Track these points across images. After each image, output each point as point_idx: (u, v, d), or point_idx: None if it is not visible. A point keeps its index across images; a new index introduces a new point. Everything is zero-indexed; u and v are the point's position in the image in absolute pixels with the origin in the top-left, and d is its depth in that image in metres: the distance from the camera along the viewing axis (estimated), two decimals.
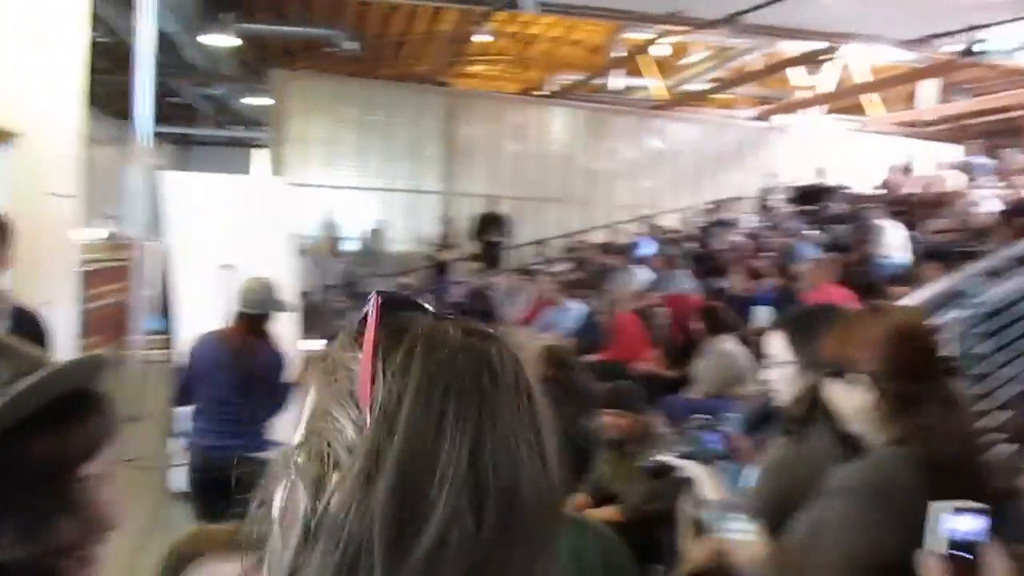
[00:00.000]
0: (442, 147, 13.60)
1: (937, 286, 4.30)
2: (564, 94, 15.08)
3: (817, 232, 10.54)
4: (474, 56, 17.26)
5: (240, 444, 3.54)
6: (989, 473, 1.45)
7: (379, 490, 0.60)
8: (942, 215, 9.71)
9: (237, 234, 4.27)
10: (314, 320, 11.06)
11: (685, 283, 8.40)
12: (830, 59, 13.21)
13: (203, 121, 19.12)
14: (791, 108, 15.70)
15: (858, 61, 13.96)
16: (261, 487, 0.71)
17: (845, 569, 1.47)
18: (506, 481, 0.63)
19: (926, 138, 15.80)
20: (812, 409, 1.79)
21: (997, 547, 1.03)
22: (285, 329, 3.78)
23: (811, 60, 13.38)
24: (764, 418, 3.83)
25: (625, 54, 14.17)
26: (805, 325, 2.02)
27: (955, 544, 0.99)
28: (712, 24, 10.02)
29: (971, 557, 0.99)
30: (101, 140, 17.00)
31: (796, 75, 15.14)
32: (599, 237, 13.23)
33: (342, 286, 11.83)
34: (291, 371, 3.77)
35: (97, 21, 10.72)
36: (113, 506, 0.99)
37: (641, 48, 13.79)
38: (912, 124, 16.16)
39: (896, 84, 14.83)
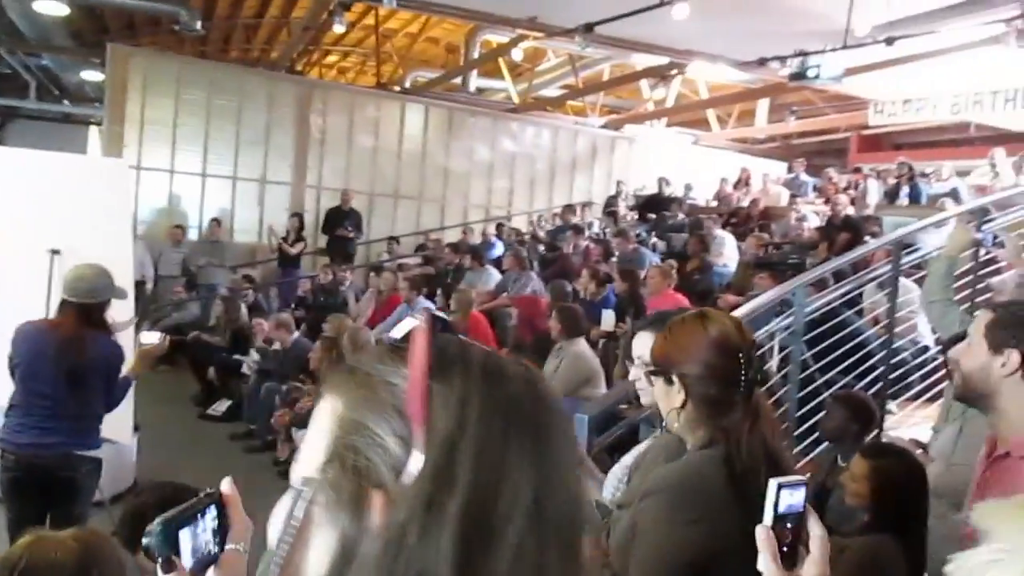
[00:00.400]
0: (293, 137, 13.22)
1: (767, 295, 4.57)
2: (420, 91, 15.03)
3: (658, 239, 11.04)
4: (328, 46, 16.91)
5: (65, 441, 3.31)
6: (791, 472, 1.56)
7: (447, 517, 0.59)
8: (769, 228, 10.39)
9: (67, 217, 3.97)
10: (149, 310, 10.54)
11: (534, 285, 8.56)
12: (677, 74, 13.84)
13: (33, 94, 17.69)
14: (638, 119, 16.35)
15: (700, 78, 14.73)
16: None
17: (658, 567, 1.55)
18: (566, 513, 0.65)
19: (757, 155, 16.88)
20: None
21: (812, 513, 1.14)
22: (119, 318, 3.54)
23: (658, 74, 13.98)
24: (611, 419, 3.97)
25: (482, 55, 14.28)
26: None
27: (779, 517, 1.11)
28: (567, 32, 10.25)
29: (790, 526, 1.11)
30: None
31: (644, 87, 15.79)
32: (451, 236, 13.28)
33: (181, 276, 11.29)
34: (127, 363, 3.56)
35: None
36: None
37: (498, 51, 13.95)
38: (744, 140, 17.24)
39: (731, 102, 15.76)
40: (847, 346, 4.80)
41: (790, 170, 14.31)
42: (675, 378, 1.65)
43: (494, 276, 9.38)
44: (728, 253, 9.39)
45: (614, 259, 9.26)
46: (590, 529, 0.71)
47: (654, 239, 10.96)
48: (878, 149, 15.74)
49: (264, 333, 8.34)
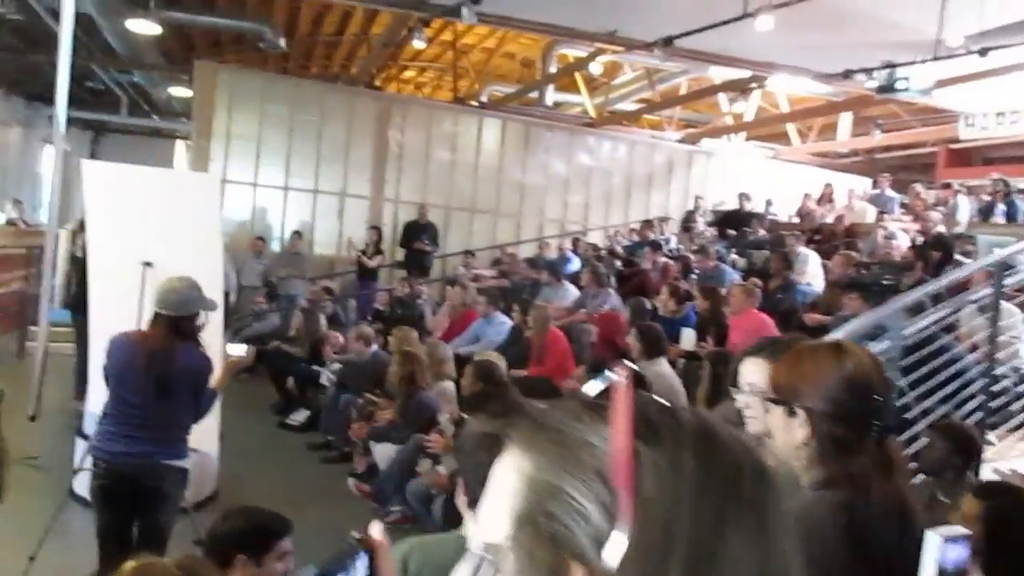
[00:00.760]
0: (372, 151, 13.41)
1: (864, 319, 4.38)
2: (496, 105, 15.09)
3: (738, 256, 10.80)
4: (406, 62, 17.13)
5: (153, 451, 3.35)
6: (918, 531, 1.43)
7: None
8: (856, 246, 10.05)
9: (159, 230, 4.06)
10: (231, 320, 10.78)
11: (612, 301, 8.45)
12: (757, 87, 13.57)
13: (124, 109, 18.41)
14: (716, 133, 16.10)
15: (780, 91, 14.42)
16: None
17: None
18: None
19: (838, 169, 16.43)
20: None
21: (978, 572, 1.04)
22: (209, 331, 3.58)
23: (738, 87, 13.74)
24: None
25: (559, 69, 14.26)
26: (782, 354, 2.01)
27: (942, 573, 1.02)
28: (646, 46, 10.14)
29: None
30: (8, 121, 16.27)
31: (723, 101, 15.55)
32: (527, 250, 13.25)
33: (262, 287, 11.53)
34: (214, 375, 3.59)
35: None
36: None
37: (575, 65, 13.92)
38: (825, 155, 16.79)
39: (813, 116, 15.38)
40: (945, 373, 4.57)
41: (875, 185, 13.87)
42: (799, 411, 1.54)
43: (571, 292, 9.29)
44: (812, 271, 9.12)
45: (693, 276, 9.08)
46: None
47: (733, 256, 10.73)
48: (967, 164, 15.12)
49: (340, 345, 8.43)
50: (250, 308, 11.17)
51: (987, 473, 4.12)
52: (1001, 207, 10.25)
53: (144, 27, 10.90)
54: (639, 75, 14.87)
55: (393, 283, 11.37)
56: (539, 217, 14.56)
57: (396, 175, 13.55)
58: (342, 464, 6.96)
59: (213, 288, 3.80)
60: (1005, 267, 5.15)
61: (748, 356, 2.04)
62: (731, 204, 14.14)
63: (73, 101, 17.78)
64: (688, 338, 6.78)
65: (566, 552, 0.56)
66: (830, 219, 12.00)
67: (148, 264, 4.04)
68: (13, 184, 16.43)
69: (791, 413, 1.56)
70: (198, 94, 12.64)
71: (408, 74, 18.75)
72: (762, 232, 11.83)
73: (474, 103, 15.17)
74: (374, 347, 7.74)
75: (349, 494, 6.32)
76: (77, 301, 6.72)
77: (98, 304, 4.37)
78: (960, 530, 1.05)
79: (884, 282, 5.09)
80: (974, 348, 5.23)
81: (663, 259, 9.87)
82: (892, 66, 9.12)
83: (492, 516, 0.61)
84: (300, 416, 8.21)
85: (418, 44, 10.83)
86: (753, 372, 1.98)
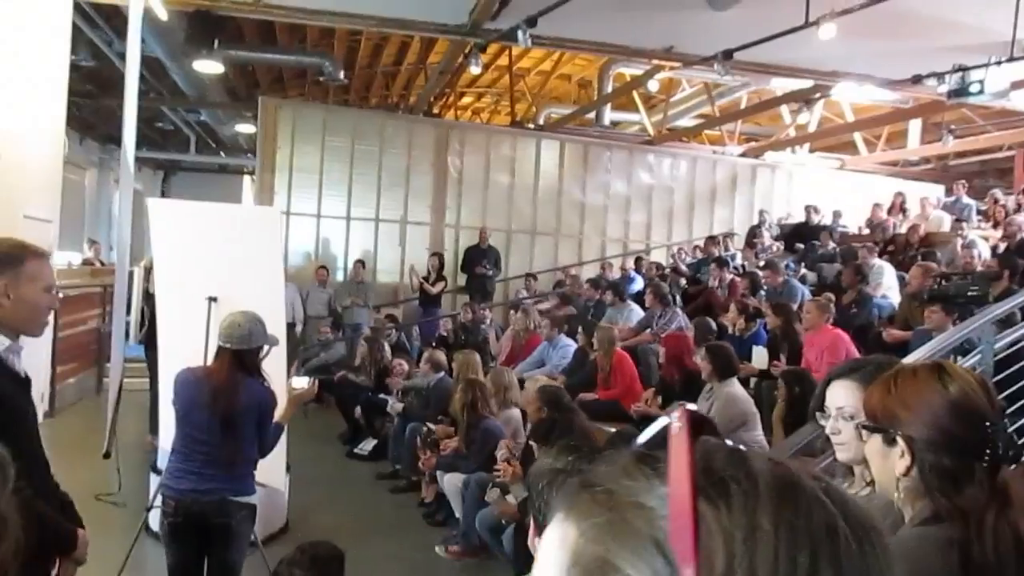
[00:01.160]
0: (432, 178, 13.50)
1: (950, 334, 4.14)
2: (554, 127, 15.07)
3: (807, 271, 10.50)
4: (463, 88, 17.27)
5: (221, 488, 3.33)
6: None
7: None
8: (934, 256, 9.67)
9: (223, 265, 4.08)
10: (298, 351, 10.90)
11: (678, 320, 8.27)
12: (820, 97, 13.26)
13: (193, 147, 18.99)
14: (779, 145, 15.78)
15: (844, 100, 14.07)
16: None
17: None
18: None
19: (909, 177, 15.92)
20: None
21: None
22: (272, 365, 3.57)
23: (801, 98, 13.43)
24: None
25: (615, 88, 14.18)
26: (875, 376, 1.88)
27: None
28: (705, 60, 9.98)
29: None
30: (83, 164, 16.88)
31: (786, 112, 15.24)
32: (589, 271, 13.13)
33: (327, 316, 11.65)
34: (279, 409, 3.57)
35: (82, 44, 10.61)
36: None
37: (632, 83, 13.81)
38: (895, 163, 16.29)
39: (881, 124, 14.95)
40: None
41: (949, 193, 13.38)
42: (899, 439, 1.41)
43: (636, 312, 9.13)
44: (887, 283, 8.79)
45: (762, 292, 8.83)
46: None
47: (803, 270, 10.43)
48: None
49: (405, 372, 8.42)
50: (316, 338, 11.28)
51: None
52: None
53: (209, 67, 11.19)
54: (698, 90, 14.69)
55: (456, 309, 11.36)
56: (600, 237, 14.44)
57: (456, 200, 13.61)
58: (410, 493, 6.92)
59: (276, 321, 3.80)
60: None
61: (836, 378, 1.91)
62: (798, 217, 13.81)
63: (144, 142, 18.47)
64: (760, 357, 6.57)
65: None
66: (903, 229, 11.59)
67: (213, 299, 4.06)
68: (90, 225, 17.03)
69: (890, 441, 1.43)
70: (261, 129, 12.92)
71: (466, 100, 18.89)
72: (832, 245, 11.49)
73: (531, 126, 15.18)
74: (441, 373, 7.71)
75: (417, 524, 6.27)
76: (149, 337, 6.84)
77: (166, 340, 4.42)
78: None
79: (970, 293, 4.82)
80: None
81: (729, 276, 9.63)
82: (964, 69, 8.80)
83: None
84: (368, 445, 8.21)
85: (474, 70, 10.86)
86: (842, 396, 1.85)
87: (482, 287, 12.30)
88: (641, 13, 9.51)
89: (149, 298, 8.17)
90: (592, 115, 15.20)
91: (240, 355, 3.39)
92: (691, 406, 0.55)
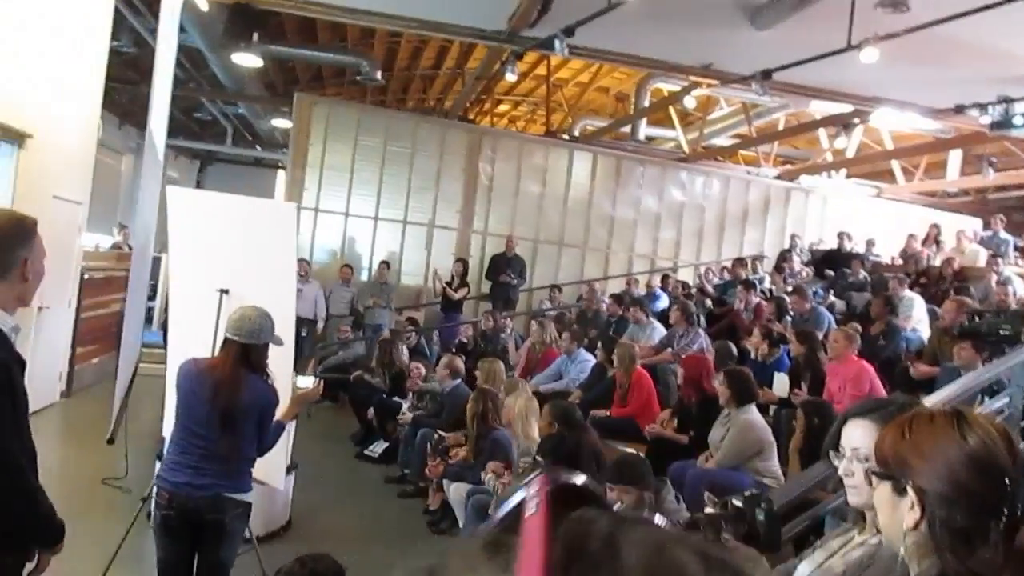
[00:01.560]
0: (462, 183, 13.47)
1: (980, 373, 3.99)
2: (588, 139, 14.98)
3: (836, 298, 10.30)
4: (500, 95, 17.25)
5: (216, 483, 3.27)
6: None
7: None
8: (968, 291, 9.44)
9: (237, 257, 4.04)
10: (316, 348, 10.89)
11: (700, 341, 8.13)
12: (859, 123, 13.04)
13: (229, 139, 19.15)
14: (815, 169, 15.56)
15: (884, 126, 13.83)
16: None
17: None
18: None
19: (947, 209, 15.62)
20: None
21: None
22: (277, 363, 3.51)
23: (839, 122, 13.22)
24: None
25: (652, 103, 14.06)
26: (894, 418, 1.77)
27: None
28: (743, 79, 9.84)
29: None
30: (120, 149, 17.06)
31: (824, 136, 15.03)
32: (614, 286, 13.01)
33: (349, 315, 11.63)
34: (280, 408, 3.51)
35: (124, 31, 10.71)
36: None
37: (669, 99, 13.69)
38: (933, 194, 15.98)
39: (920, 152, 14.69)
40: None
41: (987, 227, 13.10)
42: (910, 489, 1.31)
43: (658, 330, 9.00)
44: (917, 316, 8.60)
45: (788, 318, 8.67)
46: None
47: (832, 298, 10.24)
48: None
49: (422, 376, 8.36)
50: (336, 336, 11.27)
51: None
52: None
53: (248, 60, 11.24)
54: (735, 109, 14.53)
55: (478, 316, 11.29)
56: (628, 252, 14.32)
57: (485, 207, 13.56)
58: (417, 499, 6.84)
59: (285, 318, 3.74)
60: None
61: (853, 417, 1.80)
62: (830, 243, 13.60)
63: (182, 131, 18.60)
64: (781, 384, 6.42)
65: None
66: (937, 261, 11.36)
67: (224, 291, 4.02)
68: (123, 210, 17.19)
69: (900, 491, 1.33)
70: (296, 125, 12.98)
71: (502, 108, 18.88)
72: (863, 274, 11.28)
73: (565, 137, 15.10)
74: (458, 381, 7.63)
75: (420, 531, 6.19)
76: (168, 324, 6.85)
77: (176, 329, 4.38)
78: None
79: (1002, 332, 4.65)
80: None
81: (756, 299, 9.47)
82: (1008, 101, 8.61)
83: None
84: (379, 448, 8.15)
85: (510, 77, 10.80)
86: (858, 436, 1.75)
87: (505, 296, 12.21)
88: (681, 28, 9.40)
89: None
90: (627, 129, 15.09)
91: (247, 349, 3.33)
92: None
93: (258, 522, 4.70)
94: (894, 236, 13.52)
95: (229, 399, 3.22)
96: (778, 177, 15.54)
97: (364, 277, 12.71)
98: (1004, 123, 8.73)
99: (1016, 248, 11.87)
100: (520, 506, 0.42)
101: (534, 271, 13.38)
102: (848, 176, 16.01)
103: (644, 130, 15.12)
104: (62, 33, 7.58)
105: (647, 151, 15.20)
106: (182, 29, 9.28)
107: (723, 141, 15.58)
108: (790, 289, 9.89)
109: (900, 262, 12.43)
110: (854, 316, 8.94)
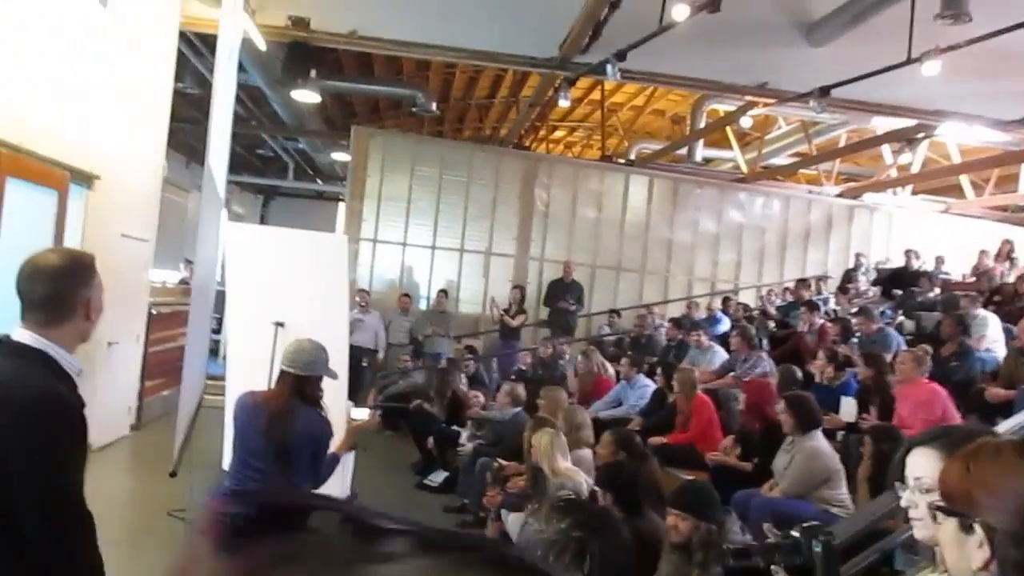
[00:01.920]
0: (518, 210, 13.51)
1: None
2: (645, 162, 14.90)
3: (905, 319, 9.99)
4: (556, 122, 17.30)
5: None
6: None
7: None
8: None
9: (291, 290, 4.09)
10: (377, 378, 10.98)
11: (763, 365, 7.94)
12: (924, 137, 12.71)
13: (291, 174, 19.58)
14: (879, 186, 15.18)
15: (951, 140, 13.45)
16: None
17: None
18: None
19: (1020, 223, 15.05)
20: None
21: None
22: (332, 395, 3.53)
23: (903, 137, 12.90)
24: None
25: (708, 125, 13.92)
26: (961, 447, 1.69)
27: None
28: (801, 97, 9.68)
29: None
30: (187, 186, 17.59)
31: (887, 152, 14.67)
32: (674, 310, 12.85)
33: (408, 344, 11.71)
34: (335, 440, 3.52)
35: (188, 72, 11.06)
36: None
37: (725, 120, 13.55)
38: (1004, 208, 15.43)
39: (989, 166, 14.21)
40: None
41: None
42: (977, 527, 1.22)
43: (719, 354, 8.83)
44: (992, 336, 8.25)
45: (854, 340, 8.42)
46: None
47: (900, 318, 9.93)
48: None
49: (480, 404, 8.33)
50: (396, 365, 11.34)
51: None
52: None
53: (306, 96, 11.50)
54: (794, 128, 14.29)
55: (537, 343, 11.25)
56: (687, 275, 14.15)
57: (541, 233, 13.57)
58: (476, 529, 6.79)
59: (339, 349, 3.77)
60: None
61: (918, 445, 1.71)
62: (897, 262, 13.21)
63: (245, 168, 19.05)
64: (848, 409, 6.22)
65: None
66: (1011, 278, 10.93)
67: (280, 324, 4.07)
68: (190, 246, 17.68)
69: (967, 528, 1.25)
70: (353, 158, 13.20)
71: (558, 134, 18.93)
72: (933, 292, 10.92)
73: (621, 161, 15.05)
74: (517, 409, 7.59)
75: None
76: None
77: (234, 361, 4.45)
78: None
79: None
80: None
81: (820, 321, 9.23)
82: None
83: None
84: (438, 477, 8.13)
85: (563, 103, 10.84)
86: (922, 465, 1.65)
87: (564, 322, 12.15)
88: (734, 48, 9.32)
89: None
90: (684, 151, 14.97)
91: (301, 381, 3.36)
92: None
93: None
94: (965, 253, 13.07)
95: (283, 431, 3.24)
96: (840, 195, 15.21)
97: (422, 306, 12.80)
98: None
99: None
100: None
101: (592, 296, 13.30)
102: (914, 192, 15.58)
103: (701, 151, 14.96)
104: (128, 77, 7.85)
105: (704, 173, 15.05)
106: (242, 68, 9.55)
107: (782, 160, 15.32)
108: (855, 310, 9.62)
109: (972, 280, 12.00)
110: (924, 337, 8.64)
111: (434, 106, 12.41)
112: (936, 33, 7.55)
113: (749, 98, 11.07)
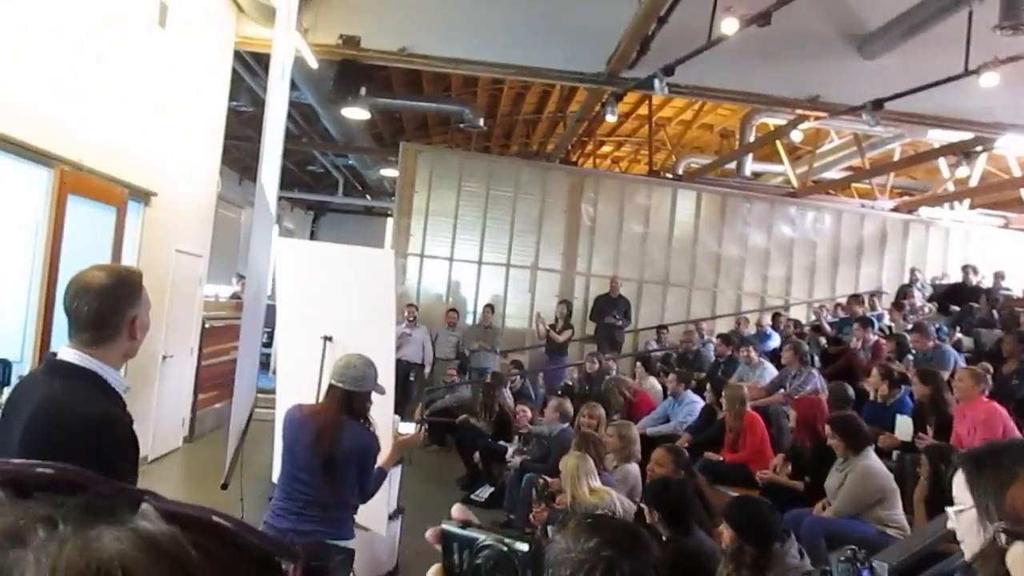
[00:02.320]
0: (564, 225, 13.50)
1: None
2: (692, 177, 14.79)
3: (963, 336, 9.73)
4: (603, 137, 17.27)
5: (319, 530, 3.31)
6: None
7: None
8: None
9: (339, 305, 4.14)
10: (423, 392, 11.02)
11: (815, 382, 7.79)
12: (983, 150, 12.40)
13: (341, 190, 19.85)
14: (935, 200, 14.84)
15: (1010, 153, 13.10)
16: None
17: None
18: None
19: None
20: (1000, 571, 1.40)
21: None
22: (379, 410, 3.55)
23: (960, 150, 12.59)
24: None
25: (757, 139, 13.78)
26: (992, 465, 1.63)
27: None
28: (853, 110, 9.52)
29: None
30: (240, 203, 17.93)
31: (943, 166, 14.35)
32: (723, 325, 12.69)
33: (455, 359, 11.74)
34: (382, 455, 3.54)
35: (243, 91, 11.31)
36: None
37: (775, 133, 13.39)
38: None
39: None
40: None
41: None
42: None
43: (769, 370, 8.69)
44: None
45: (910, 357, 8.22)
46: None
47: (958, 335, 9.67)
48: None
49: (527, 419, 8.31)
50: (443, 380, 11.38)
51: None
52: None
53: (356, 113, 11.67)
54: (846, 141, 14.06)
55: (583, 358, 11.20)
56: (736, 291, 13.97)
57: (588, 248, 13.54)
58: None
59: (386, 364, 3.79)
60: None
61: (961, 464, 1.66)
62: (954, 277, 12.89)
63: (296, 184, 19.33)
64: (904, 427, 6.06)
65: None
66: None
67: (328, 338, 4.11)
68: (242, 261, 18.01)
69: None
70: (401, 173, 13.34)
71: (605, 149, 18.90)
72: (992, 309, 10.61)
73: (668, 175, 14.95)
74: (564, 424, 7.56)
75: None
76: None
77: (283, 375, 4.51)
78: None
79: None
80: None
81: (874, 337, 9.03)
82: None
83: None
84: (484, 492, 8.13)
85: (610, 118, 10.81)
86: (956, 485, 1.60)
87: (610, 337, 12.08)
88: (784, 62, 9.23)
89: None
90: (732, 165, 14.83)
91: (350, 396, 3.38)
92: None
93: (365, 568, 4.74)
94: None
95: (331, 445, 3.27)
96: (895, 209, 14.91)
97: (469, 321, 12.84)
98: None
99: None
100: None
101: (639, 312, 13.21)
102: (972, 206, 15.21)
103: (750, 166, 14.82)
104: (185, 96, 8.06)
105: (754, 187, 14.88)
106: (294, 87, 9.73)
107: (834, 174, 15.07)
108: (910, 326, 9.40)
109: None
110: (983, 355, 8.40)
111: (481, 122, 12.50)
112: (995, 44, 7.39)
113: (800, 111, 10.92)
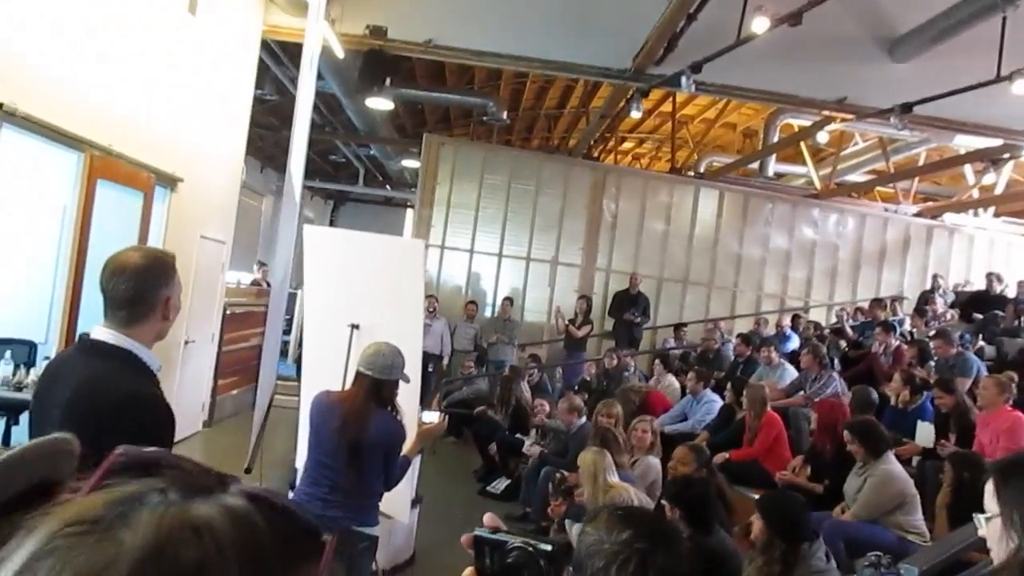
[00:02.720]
0: (585, 220, 13.49)
1: None
2: (714, 176, 14.73)
3: (986, 344, 9.64)
4: (625, 133, 17.22)
5: (344, 516, 3.33)
6: None
7: None
8: None
9: (367, 293, 4.15)
10: (441, 384, 11.05)
11: (835, 385, 7.76)
12: (1010, 158, 12.27)
13: (361, 180, 19.91)
14: (960, 207, 14.71)
15: None
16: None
17: None
18: None
19: None
20: None
21: None
22: (404, 399, 3.57)
23: (987, 157, 12.47)
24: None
25: (782, 139, 13.69)
26: (1017, 474, 1.64)
27: None
28: (881, 113, 9.44)
29: None
30: (262, 191, 18.02)
31: (969, 172, 14.23)
32: (742, 325, 12.65)
33: (473, 351, 11.77)
34: (406, 443, 3.56)
35: (268, 80, 11.35)
36: None
37: (799, 135, 13.31)
38: None
39: None
40: None
41: None
42: None
43: (789, 372, 8.66)
44: None
45: (931, 364, 8.16)
46: None
47: (981, 343, 9.58)
48: None
49: (545, 413, 8.31)
50: (460, 372, 11.41)
51: None
52: None
53: (380, 104, 11.69)
54: (871, 144, 13.95)
55: (601, 353, 11.20)
56: (756, 291, 13.91)
57: (608, 244, 13.52)
58: None
59: (413, 352, 3.80)
60: None
61: (992, 472, 1.66)
62: (978, 285, 12.77)
63: (317, 173, 19.40)
64: (925, 434, 6.03)
65: None
66: None
67: (355, 326, 4.13)
68: (263, 248, 18.11)
69: None
70: (424, 165, 13.36)
71: (627, 145, 18.85)
72: (1018, 319, 10.51)
73: (690, 173, 14.90)
74: (583, 419, 7.55)
75: None
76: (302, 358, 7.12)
77: (309, 362, 4.53)
78: None
79: None
80: None
81: (896, 342, 8.97)
82: None
83: None
84: (501, 485, 8.14)
85: (635, 114, 10.78)
86: (986, 493, 1.60)
87: (629, 334, 12.07)
88: (812, 63, 9.17)
89: None
90: (755, 165, 14.75)
91: (378, 384, 3.40)
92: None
93: (383, 555, 4.77)
94: None
95: (357, 432, 3.29)
96: (919, 214, 14.79)
97: (488, 313, 12.86)
98: None
99: None
100: None
101: (658, 309, 13.19)
102: (996, 214, 15.06)
103: (773, 166, 14.74)
104: (212, 84, 8.10)
105: (776, 188, 14.80)
106: (320, 76, 9.76)
107: (858, 177, 14.97)
108: (932, 333, 9.33)
109: None
110: (1007, 363, 8.34)
111: (504, 115, 12.49)
112: None
113: (826, 113, 10.85)
